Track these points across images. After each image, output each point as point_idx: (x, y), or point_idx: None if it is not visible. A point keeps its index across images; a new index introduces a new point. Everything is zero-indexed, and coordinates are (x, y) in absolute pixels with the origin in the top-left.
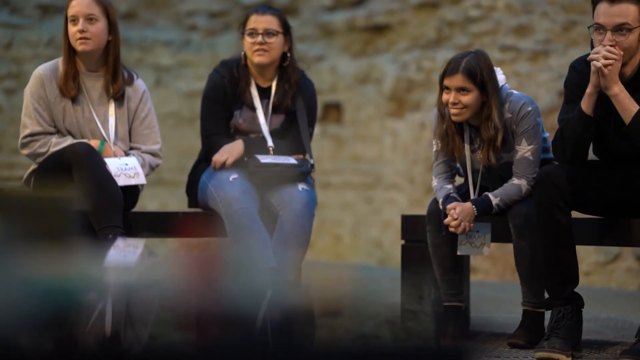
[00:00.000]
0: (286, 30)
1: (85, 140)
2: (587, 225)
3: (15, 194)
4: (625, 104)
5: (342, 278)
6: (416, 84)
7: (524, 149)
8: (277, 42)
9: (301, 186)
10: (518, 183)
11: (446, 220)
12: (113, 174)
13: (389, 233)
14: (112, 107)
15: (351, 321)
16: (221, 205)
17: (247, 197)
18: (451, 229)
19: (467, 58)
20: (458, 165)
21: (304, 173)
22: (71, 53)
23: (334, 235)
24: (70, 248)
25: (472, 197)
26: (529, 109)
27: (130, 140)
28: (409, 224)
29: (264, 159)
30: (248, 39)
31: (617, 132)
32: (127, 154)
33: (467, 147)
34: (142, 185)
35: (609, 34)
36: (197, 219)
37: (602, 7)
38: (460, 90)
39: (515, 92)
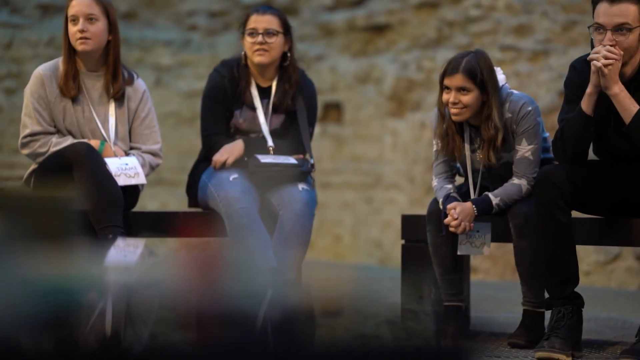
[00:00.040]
0: (286, 30)
1: (85, 140)
2: (587, 225)
3: (15, 193)
4: (626, 104)
5: (342, 278)
6: (416, 83)
7: (524, 149)
8: (277, 42)
9: (301, 186)
10: (518, 183)
11: (446, 220)
12: (113, 173)
13: (389, 233)
14: (112, 107)
15: (351, 321)
16: (221, 205)
17: (247, 197)
18: (451, 229)
19: (468, 58)
20: (458, 165)
21: (304, 173)
22: (71, 53)
23: (334, 235)
24: (70, 248)
25: (472, 196)
26: (529, 108)
27: (130, 140)
28: (409, 224)
29: (264, 158)
30: (248, 39)
31: (617, 132)
32: (127, 154)
33: (467, 146)
34: (142, 185)
35: (609, 34)
36: (197, 218)
37: (602, 7)
38: (461, 90)
39: (515, 91)
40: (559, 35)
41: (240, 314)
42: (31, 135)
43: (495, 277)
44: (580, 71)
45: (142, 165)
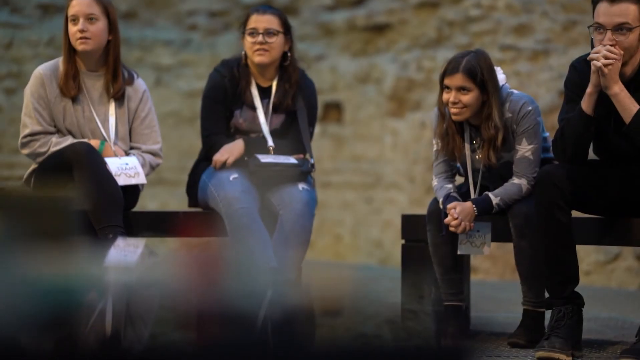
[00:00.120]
0: (287, 29)
1: (85, 140)
2: (587, 224)
3: (16, 193)
4: (626, 104)
5: (342, 278)
6: (416, 83)
7: (524, 149)
8: (277, 41)
9: (301, 186)
10: (518, 182)
11: (446, 220)
12: (113, 173)
13: (389, 233)
14: (112, 107)
15: (351, 321)
16: (221, 205)
17: (248, 197)
18: (451, 229)
19: (468, 57)
20: (458, 164)
21: (304, 173)
22: (71, 53)
23: (334, 235)
24: (70, 248)
25: (472, 196)
26: (529, 108)
27: (130, 140)
28: (409, 224)
29: (264, 158)
30: (248, 39)
31: (618, 132)
32: (127, 154)
33: (467, 146)
34: (143, 184)
35: (609, 34)
36: (197, 218)
37: (602, 7)
38: (461, 89)
39: (515, 91)
40: (559, 35)
41: (240, 313)
42: (31, 135)
43: (495, 277)
44: (580, 71)
45: (142, 165)
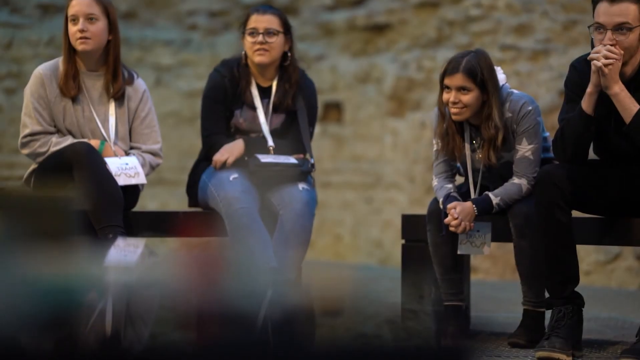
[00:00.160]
0: (287, 29)
1: (85, 140)
2: (587, 224)
3: (16, 193)
4: (626, 104)
5: (342, 278)
6: (416, 83)
7: (525, 149)
8: (277, 41)
9: (301, 186)
10: (518, 182)
11: (446, 220)
12: (113, 173)
13: (389, 232)
14: (112, 107)
15: (351, 321)
16: (221, 205)
17: (248, 197)
18: (451, 229)
19: (468, 57)
20: (458, 164)
21: (304, 172)
22: (71, 52)
23: (335, 235)
24: (70, 248)
25: (472, 196)
26: (530, 108)
27: (130, 140)
28: (409, 224)
29: (264, 158)
30: (249, 39)
31: (618, 132)
32: (127, 154)
33: (467, 146)
34: (143, 184)
35: (609, 33)
36: (197, 218)
37: (602, 7)
38: (461, 89)
39: (515, 91)
40: (559, 34)
41: (240, 313)
42: (31, 135)
43: (495, 277)
44: (580, 71)
45: (142, 165)
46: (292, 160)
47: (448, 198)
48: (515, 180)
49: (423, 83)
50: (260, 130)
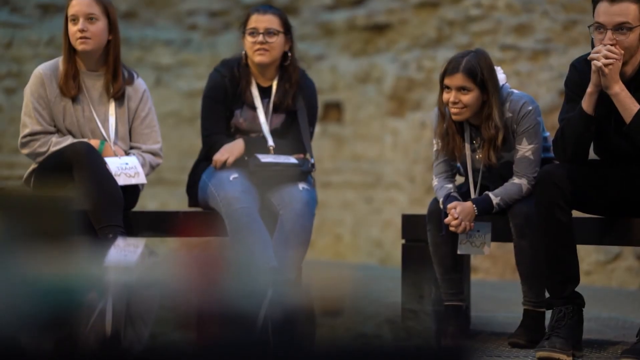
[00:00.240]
0: (287, 29)
1: (85, 140)
2: (587, 224)
3: (16, 193)
4: (626, 103)
5: (342, 277)
6: (416, 83)
7: (525, 148)
8: (278, 41)
9: (302, 185)
10: (519, 182)
11: (447, 220)
12: (113, 173)
13: (389, 232)
14: (112, 107)
15: (352, 320)
16: (221, 205)
17: (248, 197)
18: (451, 229)
19: (468, 57)
20: (458, 164)
21: (304, 172)
22: (71, 52)
23: (335, 235)
24: (70, 247)
25: (472, 196)
26: (530, 108)
27: (130, 140)
28: (410, 224)
29: (264, 158)
30: (249, 39)
31: (618, 132)
32: (127, 154)
33: (467, 146)
34: (143, 184)
35: (609, 33)
36: (197, 218)
37: (602, 6)
38: (461, 89)
39: (515, 91)
40: (559, 34)
41: (240, 313)
42: (31, 134)
43: (495, 277)
44: (580, 70)
45: (142, 165)
46: (292, 160)
47: (448, 198)
48: (516, 180)
49: (423, 83)
50: (260, 130)
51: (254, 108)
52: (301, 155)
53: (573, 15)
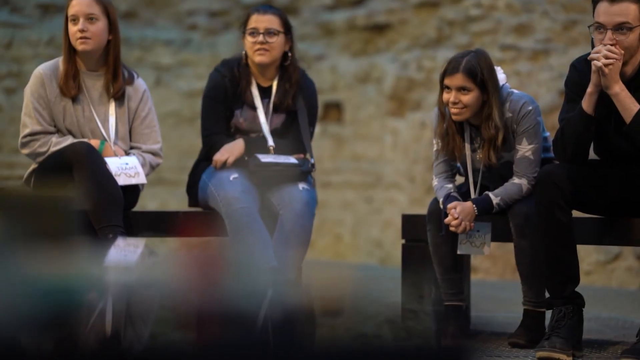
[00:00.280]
0: (287, 29)
1: (85, 140)
2: (587, 224)
3: (16, 193)
4: (626, 103)
5: (342, 277)
6: (416, 83)
7: (525, 148)
8: (278, 41)
9: (302, 185)
10: (519, 182)
11: (447, 220)
12: (113, 173)
13: (389, 232)
14: (112, 107)
15: (352, 320)
16: (221, 205)
17: (248, 197)
18: (452, 228)
19: (468, 57)
20: (458, 164)
21: (304, 172)
22: (71, 52)
23: (335, 235)
24: (70, 247)
25: (472, 196)
26: (530, 108)
27: (130, 140)
28: (410, 224)
29: (264, 158)
30: (249, 39)
31: (618, 132)
32: (127, 154)
33: (467, 146)
34: (143, 184)
35: (609, 33)
36: (197, 218)
37: (602, 6)
38: (461, 89)
39: (515, 91)
40: (559, 34)
41: (240, 313)
42: (31, 134)
43: (495, 277)
44: (580, 70)
45: (143, 165)
46: (292, 160)
47: (448, 198)
48: (516, 180)
49: (423, 83)
50: (260, 130)
51: (254, 108)
52: (301, 155)
53: (573, 15)
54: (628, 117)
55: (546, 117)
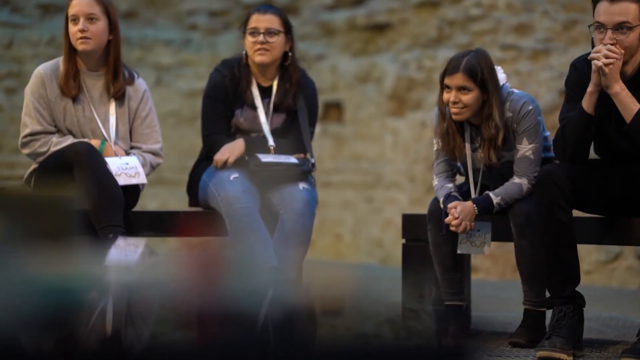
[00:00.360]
0: (287, 29)
1: (85, 140)
2: (588, 224)
3: (16, 193)
4: (626, 103)
5: (342, 277)
6: (417, 83)
7: (525, 148)
8: (278, 41)
9: (302, 185)
10: (519, 182)
11: (447, 219)
12: (114, 173)
13: (389, 232)
14: (112, 107)
15: (352, 320)
16: (222, 205)
17: (248, 196)
18: (452, 228)
19: (468, 57)
20: (459, 164)
21: (304, 172)
22: (72, 52)
23: (335, 235)
24: (71, 247)
25: (473, 196)
26: (530, 107)
27: (131, 140)
28: (410, 223)
29: (265, 158)
30: (249, 38)
31: (618, 131)
32: (127, 154)
33: (467, 146)
34: (143, 184)
35: (609, 33)
36: (197, 218)
37: (602, 6)
38: (461, 89)
39: (516, 90)
40: (559, 34)
41: (241, 313)
42: (31, 134)
43: (495, 277)
44: (580, 70)
45: (143, 165)
46: (292, 159)
47: (448, 197)
48: (516, 179)
49: (423, 83)
50: (260, 130)
51: (254, 108)
52: (301, 155)
53: (573, 14)
54: (628, 117)
55: (546, 117)
